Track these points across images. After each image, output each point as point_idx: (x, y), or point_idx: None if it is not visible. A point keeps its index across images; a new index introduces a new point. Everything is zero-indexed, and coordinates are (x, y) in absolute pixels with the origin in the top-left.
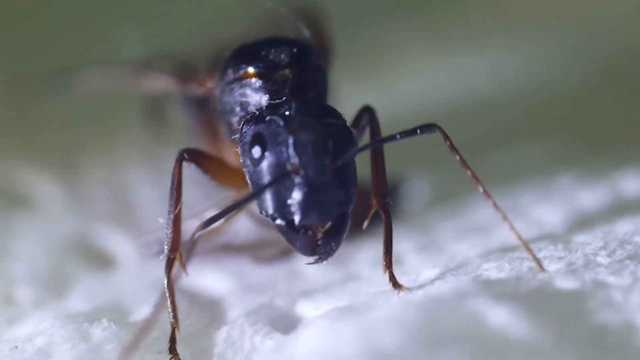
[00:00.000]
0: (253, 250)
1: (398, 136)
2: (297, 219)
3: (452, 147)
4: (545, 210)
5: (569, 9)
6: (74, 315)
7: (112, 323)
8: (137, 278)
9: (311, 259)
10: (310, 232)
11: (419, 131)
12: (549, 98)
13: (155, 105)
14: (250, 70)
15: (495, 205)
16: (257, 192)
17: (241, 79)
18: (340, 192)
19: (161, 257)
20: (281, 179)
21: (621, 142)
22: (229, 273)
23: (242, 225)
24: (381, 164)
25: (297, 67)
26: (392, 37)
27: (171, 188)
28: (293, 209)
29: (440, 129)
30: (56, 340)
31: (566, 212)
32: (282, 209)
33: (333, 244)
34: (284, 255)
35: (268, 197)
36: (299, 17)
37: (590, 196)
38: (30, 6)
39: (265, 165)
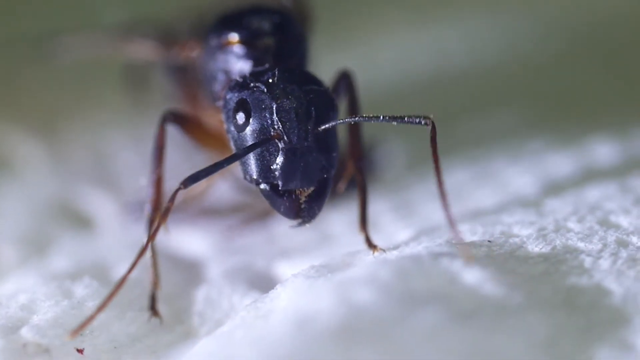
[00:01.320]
0: (233, 215)
1: (381, 118)
2: (280, 183)
3: (434, 146)
4: (516, 174)
5: None
6: (57, 273)
7: (93, 280)
8: (118, 238)
9: (294, 222)
10: (293, 196)
11: (406, 119)
12: (521, 67)
13: (136, 70)
14: (234, 37)
15: (447, 209)
16: (240, 156)
17: (224, 46)
18: (322, 157)
19: (143, 217)
20: (265, 144)
21: (591, 109)
22: (208, 234)
23: (223, 192)
24: (359, 128)
25: (280, 35)
26: (369, 7)
27: (154, 149)
28: (277, 173)
29: (432, 123)
30: (39, 297)
31: (537, 177)
32: (265, 173)
33: (315, 208)
34: (263, 217)
35: (252, 162)
36: None
37: (561, 161)
38: None
39: (249, 131)
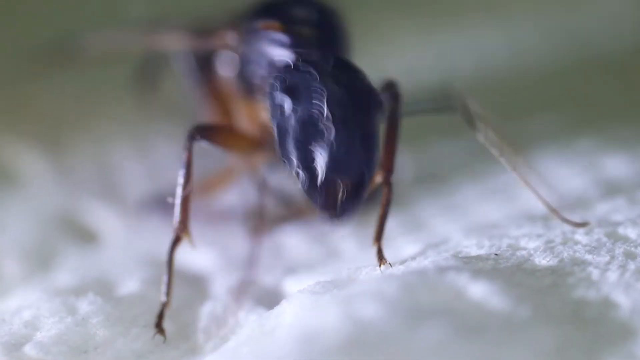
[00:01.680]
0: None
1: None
2: (321, 170)
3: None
4: (525, 189)
5: None
6: (61, 289)
7: (98, 297)
8: (123, 253)
9: (330, 224)
10: (331, 189)
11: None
12: (531, 78)
13: (149, 76)
14: (280, 23)
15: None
16: (283, 135)
17: (270, 31)
18: (364, 153)
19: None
20: (312, 131)
21: (602, 120)
22: (214, 248)
23: (241, 195)
24: (395, 140)
25: (326, 25)
26: (375, 16)
27: (181, 167)
28: (321, 161)
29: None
30: (43, 314)
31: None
32: (309, 161)
33: (352, 205)
34: (281, 224)
35: (295, 147)
36: None
37: (570, 174)
38: None
39: (297, 116)
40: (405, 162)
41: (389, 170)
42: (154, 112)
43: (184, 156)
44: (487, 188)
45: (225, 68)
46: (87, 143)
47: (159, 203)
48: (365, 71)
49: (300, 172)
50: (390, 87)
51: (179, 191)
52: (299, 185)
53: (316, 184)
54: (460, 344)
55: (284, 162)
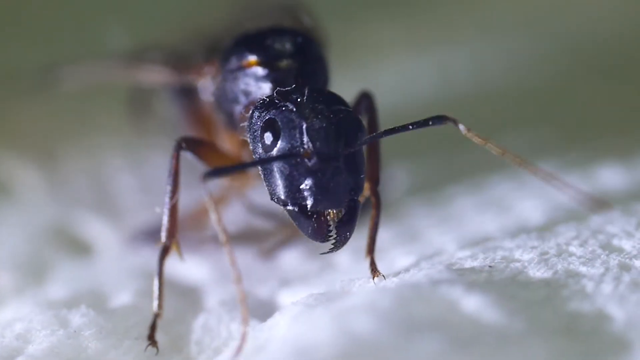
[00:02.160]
0: (246, 243)
1: (410, 127)
2: (309, 203)
3: (470, 131)
4: (519, 199)
5: (545, 2)
6: (53, 301)
7: (90, 309)
8: (116, 265)
9: (326, 248)
10: (322, 218)
11: (430, 123)
12: (525, 90)
13: (140, 96)
14: (256, 58)
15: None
16: (266, 160)
17: (246, 68)
18: (351, 178)
19: (156, 244)
20: (294, 164)
21: (597, 132)
22: (207, 260)
23: (235, 216)
24: (379, 150)
25: (302, 56)
26: (369, 29)
27: (168, 177)
28: (306, 194)
29: (453, 121)
30: (35, 326)
31: (541, 202)
32: (294, 194)
33: (347, 231)
34: (282, 246)
35: (280, 182)
36: (297, 8)
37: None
38: (11, 4)
39: (277, 150)
40: (400, 174)
41: (375, 181)
42: (147, 126)
43: (171, 165)
44: (481, 199)
45: (208, 95)
46: (80, 156)
47: (152, 235)
48: (359, 83)
49: (289, 207)
50: (366, 98)
51: (166, 200)
52: (290, 219)
53: (306, 218)
54: (454, 357)
55: (271, 196)
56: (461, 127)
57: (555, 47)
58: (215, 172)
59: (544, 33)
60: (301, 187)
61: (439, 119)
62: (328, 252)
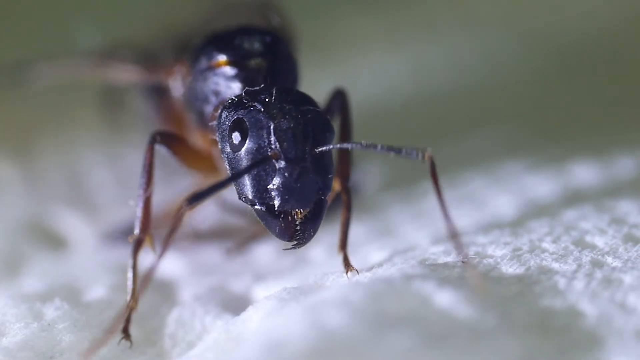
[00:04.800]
0: (220, 239)
1: (379, 147)
2: (277, 203)
3: (435, 180)
4: (494, 195)
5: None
6: (27, 294)
7: (64, 303)
8: (90, 259)
9: (289, 244)
10: (289, 218)
11: (404, 151)
12: (502, 86)
13: (113, 94)
14: (226, 58)
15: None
16: (241, 175)
17: (215, 67)
18: (319, 178)
19: (129, 238)
20: (261, 164)
21: (574, 129)
22: (182, 254)
23: (208, 213)
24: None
25: (271, 55)
26: (349, 25)
27: (142, 170)
28: (273, 194)
29: (431, 159)
30: (9, 319)
31: (515, 198)
32: (262, 194)
33: (311, 230)
34: (252, 241)
35: (248, 183)
36: (266, 7)
37: (539, 182)
38: None
39: (245, 150)
40: (374, 169)
41: (345, 177)
42: (120, 123)
43: (145, 159)
44: (455, 195)
45: (179, 94)
46: (56, 150)
47: (126, 233)
48: (337, 79)
49: (257, 207)
50: (339, 96)
51: (140, 193)
52: (257, 218)
53: (273, 217)
54: (426, 352)
55: (239, 195)
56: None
57: (533, 44)
58: (196, 197)
59: (521, 30)
60: (269, 187)
61: (417, 151)
62: (291, 249)
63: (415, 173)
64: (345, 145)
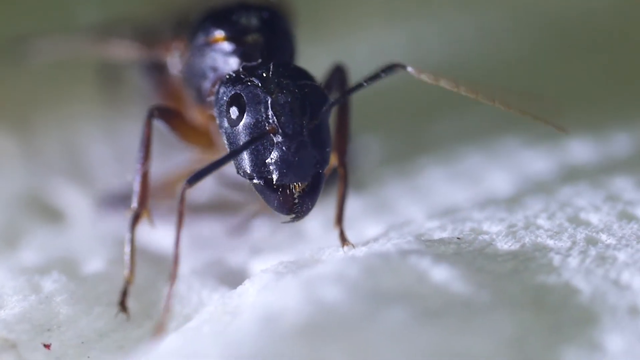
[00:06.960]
0: (218, 213)
1: (364, 83)
2: (275, 177)
3: (421, 73)
4: (490, 171)
5: None
6: (26, 267)
7: (62, 275)
8: (88, 233)
9: (287, 217)
10: (287, 191)
11: (382, 74)
12: (498, 63)
13: (111, 70)
14: (223, 34)
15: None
16: (240, 151)
17: (213, 43)
18: (316, 151)
19: (126, 212)
20: (259, 139)
21: (570, 105)
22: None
23: (206, 187)
24: (346, 121)
25: (268, 31)
26: (345, 2)
27: (140, 144)
28: (271, 168)
29: (402, 66)
30: (7, 292)
31: (511, 174)
32: (260, 168)
33: (309, 203)
34: (252, 219)
35: (246, 157)
36: None
37: (535, 159)
38: None
39: (243, 125)
40: (371, 144)
41: (342, 152)
42: (119, 97)
43: (143, 132)
44: (452, 170)
45: (177, 70)
46: (54, 124)
47: (120, 200)
48: (334, 54)
49: (255, 180)
50: (338, 72)
51: (138, 167)
52: (255, 192)
53: (271, 191)
54: (421, 328)
55: (237, 170)
56: (410, 69)
57: (529, 19)
58: (196, 176)
59: (518, 5)
60: (267, 161)
61: (390, 69)
62: (289, 222)
63: (411, 148)
64: (335, 102)
